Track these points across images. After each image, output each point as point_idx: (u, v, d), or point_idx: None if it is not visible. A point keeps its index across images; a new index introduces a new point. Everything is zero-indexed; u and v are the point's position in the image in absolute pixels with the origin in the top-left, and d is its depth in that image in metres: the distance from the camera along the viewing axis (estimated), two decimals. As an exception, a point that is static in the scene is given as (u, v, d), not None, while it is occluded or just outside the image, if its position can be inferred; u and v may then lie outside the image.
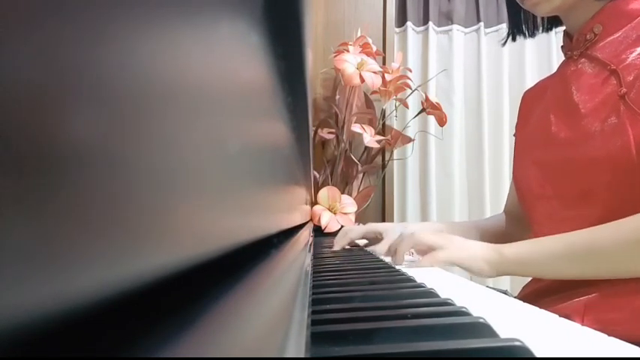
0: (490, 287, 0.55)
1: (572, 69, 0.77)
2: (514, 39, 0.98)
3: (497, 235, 0.98)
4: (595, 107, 0.69)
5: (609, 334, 0.29)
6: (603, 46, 0.73)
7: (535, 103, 0.88)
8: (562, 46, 0.83)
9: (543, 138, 0.79)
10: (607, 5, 0.74)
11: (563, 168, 0.73)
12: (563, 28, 0.84)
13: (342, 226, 1.28)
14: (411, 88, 1.47)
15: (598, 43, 0.74)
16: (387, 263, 0.69)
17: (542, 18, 0.93)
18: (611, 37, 0.72)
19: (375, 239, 0.96)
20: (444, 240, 0.71)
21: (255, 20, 0.17)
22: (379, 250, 0.83)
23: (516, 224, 1.00)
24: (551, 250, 0.64)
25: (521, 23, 0.95)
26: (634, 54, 0.68)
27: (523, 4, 0.79)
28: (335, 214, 1.28)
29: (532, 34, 0.95)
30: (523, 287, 0.87)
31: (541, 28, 0.94)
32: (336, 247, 0.93)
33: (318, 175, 1.44)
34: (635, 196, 0.64)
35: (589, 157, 0.68)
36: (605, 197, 0.67)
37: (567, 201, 0.73)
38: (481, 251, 0.68)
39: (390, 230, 0.90)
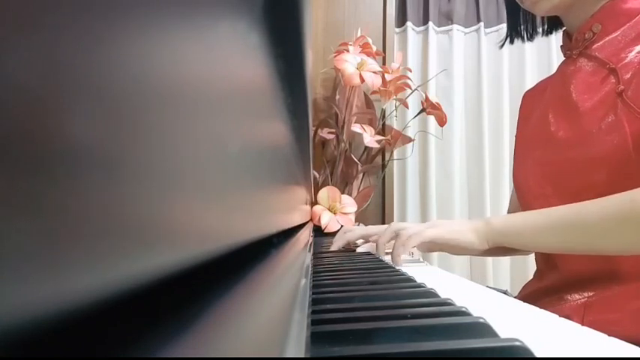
0: (490, 287, 0.55)
1: (571, 68, 0.77)
2: (512, 42, 0.97)
3: None
4: (593, 106, 0.70)
5: (609, 335, 0.29)
6: (602, 45, 0.73)
7: (535, 104, 0.88)
8: (561, 46, 0.83)
9: (543, 138, 0.79)
10: (606, 4, 0.74)
11: (563, 167, 0.73)
12: (563, 29, 0.84)
13: (342, 226, 1.28)
14: (411, 88, 1.47)
15: (597, 42, 0.74)
16: (387, 263, 0.69)
17: (543, 21, 0.93)
18: (610, 36, 0.72)
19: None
20: (430, 223, 0.73)
21: (255, 20, 0.17)
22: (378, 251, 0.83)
23: None
24: (538, 222, 0.65)
25: (519, 26, 0.95)
26: (632, 52, 0.68)
27: (522, 3, 0.79)
28: (335, 214, 1.28)
29: (530, 38, 0.95)
30: (523, 287, 0.87)
31: (540, 32, 0.94)
32: (333, 248, 0.93)
33: (318, 175, 1.44)
34: None
35: (588, 155, 0.68)
36: (604, 194, 0.67)
37: (566, 199, 0.74)
38: (469, 224, 0.70)
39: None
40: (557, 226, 0.63)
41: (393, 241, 0.80)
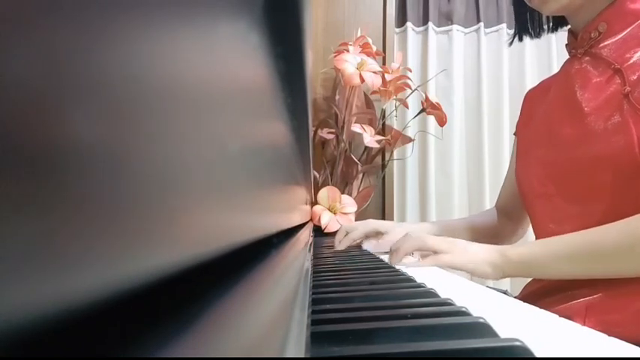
0: (490, 287, 0.55)
1: (576, 67, 0.77)
2: (520, 39, 0.97)
3: (489, 231, 0.99)
4: (598, 106, 0.69)
5: (611, 336, 0.29)
6: (608, 45, 0.73)
7: (538, 102, 0.88)
8: (566, 44, 0.83)
9: (546, 137, 0.79)
10: (613, 4, 0.74)
11: (566, 167, 0.73)
12: (568, 27, 0.84)
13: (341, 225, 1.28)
14: (411, 88, 1.47)
15: (602, 41, 0.74)
16: (386, 263, 0.69)
17: (548, 18, 0.93)
18: (616, 36, 0.72)
19: (376, 237, 0.96)
20: (449, 244, 0.71)
21: (255, 20, 0.17)
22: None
23: (507, 219, 1.01)
24: (555, 252, 0.64)
25: (527, 23, 0.95)
26: (638, 53, 0.68)
27: (530, 2, 0.79)
28: (335, 214, 1.28)
29: (538, 35, 0.95)
30: (523, 287, 0.87)
31: (547, 29, 0.94)
32: (340, 247, 0.93)
33: (318, 175, 1.44)
34: (638, 195, 0.63)
35: (592, 155, 0.68)
36: (608, 196, 0.67)
37: (570, 199, 0.73)
38: (485, 254, 0.68)
39: (392, 231, 0.91)
40: (574, 256, 0.62)
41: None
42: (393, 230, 0.91)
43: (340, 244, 0.94)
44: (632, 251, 0.58)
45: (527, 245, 0.68)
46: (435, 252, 0.70)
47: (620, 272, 0.62)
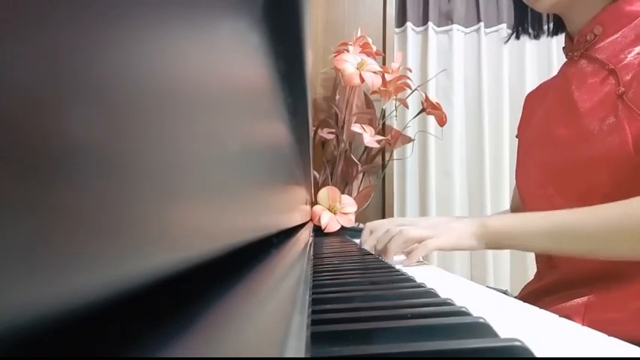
0: (490, 287, 0.55)
1: (572, 70, 0.78)
2: (517, 37, 0.97)
3: None
4: (593, 107, 0.70)
5: (610, 335, 0.29)
6: (603, 47, 0.73)
7: (538, 105, 0.88)
8: (563, 48, 0.83)
9: (544, 138, 0.79)
10: (607, 6, 0.74)
11: (564, 168, 0.74)
12: (565, 31, 0.84)
13: (342, 227, 1.28)
14: (411, 88, 1.47)
15: (598, 43, 0.74)
16: (386, 263, 0.69)
17: (548, 19, 0.93)
18: (611, 38, 0.73)
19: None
20: (433, 229, 0.72)
21: (255, 20, 0.17)
22: (368, 246, 0.83)
23: None
24: (534, 227, 0.66)
25: (527, 22, 0.95)
26: (632, 54, 0.68)
27: None
28: (335, 214, 1.28)
29: (537, 36, 0.95)
30: (523, 287, 0.87)
31: (547, 32, 0.94)
32: (388, 258, 0.84)
33: (318, 175, 1.44)
34: (636, 194, 0.64)
35: (588, 156, 0.69)
36: (606, 196, 0.67)
37: (568, 200, 0.74)
38: (468, 227, 0.70)
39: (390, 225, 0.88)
40: (552, 233, 0.64)
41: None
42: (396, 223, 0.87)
43: (386, 257, 0.80)
44: (610, 237, 0.60)
45: (508, 217, 0.70)
46: (422, 240, 0.70)
47: (595, 254, 0.63)
